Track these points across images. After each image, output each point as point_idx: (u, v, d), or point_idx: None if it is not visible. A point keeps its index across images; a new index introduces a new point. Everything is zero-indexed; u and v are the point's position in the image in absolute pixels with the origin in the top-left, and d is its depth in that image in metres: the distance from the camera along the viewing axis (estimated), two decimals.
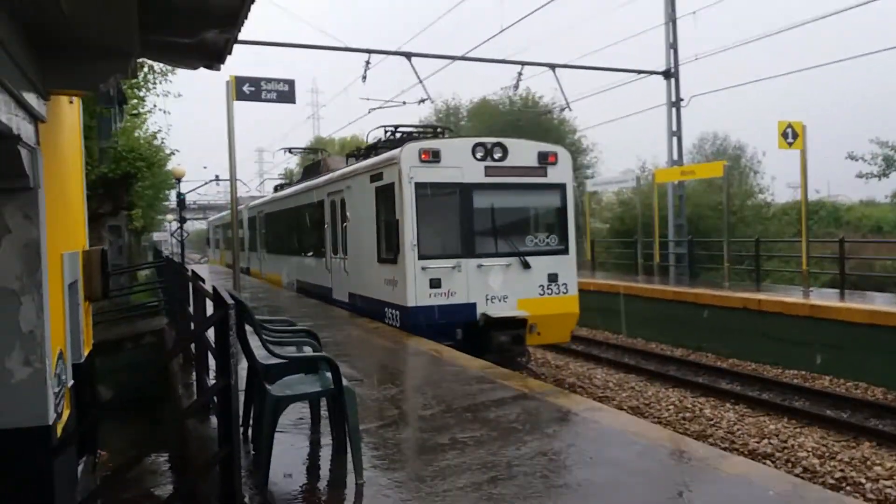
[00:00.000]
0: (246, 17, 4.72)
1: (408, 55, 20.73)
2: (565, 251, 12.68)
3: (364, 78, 21.11)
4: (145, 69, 16.18)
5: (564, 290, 12.48)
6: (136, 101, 19.03)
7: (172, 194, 34.47)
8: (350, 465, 4.79)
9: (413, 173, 11.64)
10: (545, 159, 12.49)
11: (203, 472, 4.83)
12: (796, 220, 26.39)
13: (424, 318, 11.56)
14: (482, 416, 6.30)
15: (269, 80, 14.27)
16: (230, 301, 4.11)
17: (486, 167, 12.06)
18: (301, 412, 6.20)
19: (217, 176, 60.72)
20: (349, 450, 4.83)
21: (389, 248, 12.30)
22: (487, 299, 11.91)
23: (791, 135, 16.38)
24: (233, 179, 14.94)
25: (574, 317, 12.93)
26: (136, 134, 19.27)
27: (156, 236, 69.09)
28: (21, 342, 4.43)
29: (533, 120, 39.48)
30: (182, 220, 33.26)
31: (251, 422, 5.76)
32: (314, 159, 24.79)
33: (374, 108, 23.36)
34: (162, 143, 21.77)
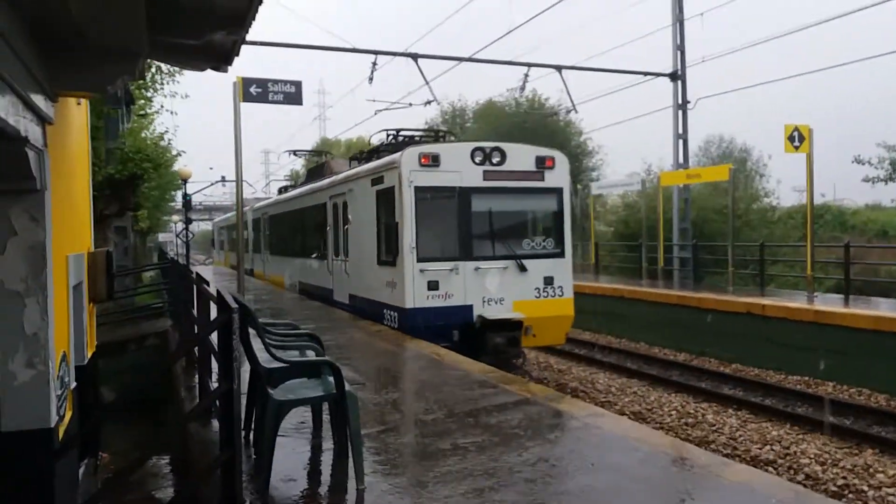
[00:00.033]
0: (253, 19, 4.73)
1: (414, 56, 20.75)
2: (561, 254, 12.83)
3: (371, 79, 21.19)
4: (153, 70, 16.20)
5: (560, 293, 12.66)
6: (143, 101, 19.07)
7: (178, 195, 34.54)
8: (351, 471, 4.80)
9: (413, 177, 11.80)
10: (542, 163, 12.65)
11: (204, 475, 4.84)
12: (802, 223, 26.37)
13: (422, 319, 11.71)
14: (484, 421, 6.30)
15: (275, 82, 14.31)
16: (234, 305, 4.13)
17: (485, 171, 12.22)
18: (303, 416, 6.21)
19: (223, 177, 60.88)
20: (351, 454, 4.83)
21: (389, 251, 12.45)
22: (484, 301, 12.09)
23: (798, 138, 16.38)
24: (239, 182, 14.97)
25: (569, 319, 13.03)
26: (143, 135, 19.33)
27: (161, 237, 69.27)
28: (24, 344, 4.43)
29: (539, 122, 39.46)
30: (188, 222, 33.32)
31: (253, 425, 5.77)
32: (318, 162, 24.89)
33: (381, 110, 23.43)
34: (169, 144, 21.85)
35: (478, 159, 12.18)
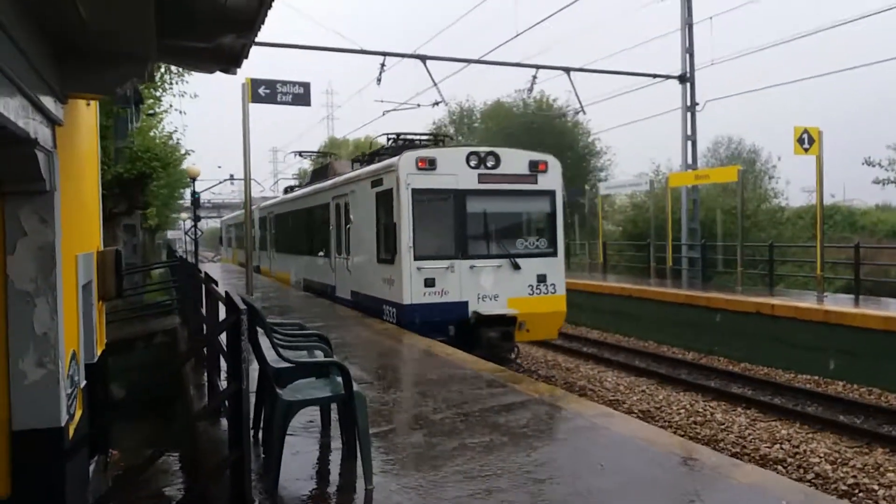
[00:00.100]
0: (263, 22, 4.74)
1: (423, 58, 20.75)
2: (554, 253, 13.36)
3: (379, 80, 21.20)
4: (162, 69, 16.25)
5: (553, 290, 13.17)
6: (152, 100, 19.11)
7: (187, 193, 34.58)
8: (360, 470, 4.80)
9: (410, 180, 12.31)
10: (536, 167, 13.16)
11: (214, 475, 4.86)
12: (811, 224, 26.25)
13: (419, 315, 12.23)
14: (492, 420, 6.30)
15: (284, 83, 14.39)
16: (242, 306, 4.14)
17: (480, 174, 12.72)
18: (311, 415, 6.21)
19: (232, 175, 60.99)
20: (359, 454, 4.84)
21: (388, 250, 12.96)
22: (479, 298, 12.59)
23: (807, 140, 16.31)
24: (247, 181, 15.02)
25: (561, 315, 13.57)
26: (152, 133, 19.36)
27: (170, 234, 69.42)
28: (35, 344, 4.46)
29: (547, 123, 39.43)
30: (196, 219, 33.36)
31: (262, 424, 5.78)
32: (322, 163, 25.12)
33: (389, 111, 23.52)
34: (177, 143, 21.88)
35: (473, 163, 12.70)
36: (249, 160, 14.92)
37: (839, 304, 14.83)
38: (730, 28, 24.68)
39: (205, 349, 8.13)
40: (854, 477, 8.63)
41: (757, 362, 15.00)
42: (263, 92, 14.24)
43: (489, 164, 12.76)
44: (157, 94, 18.38)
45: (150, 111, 20.00)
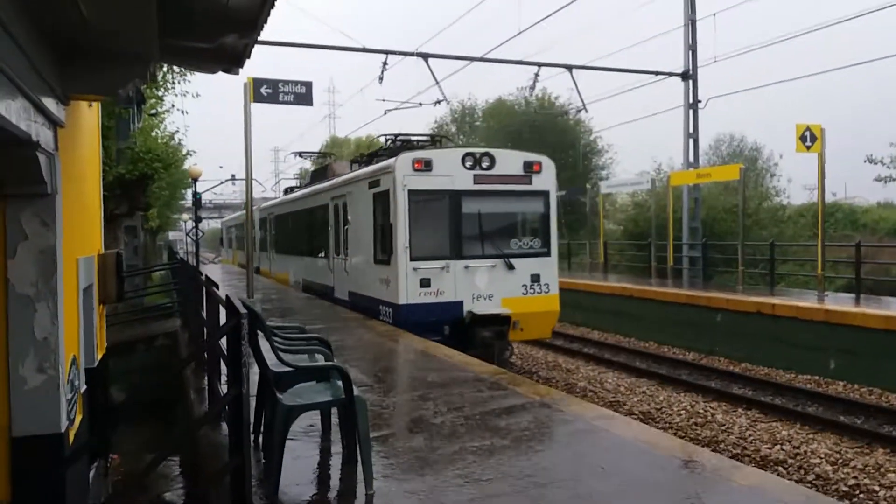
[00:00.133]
0: (265, 22, 4.73)
1: (425, 56, 20.77)
2: (547, 253, 13.57)
3: (381, 79, 21.26)
4: (164, 69, 16.24)
5: (546, 290, 13.39)
6: (154, 100, 19.09)
7: (188, 193, 34.57)
8: (360, 475, 4.80)
9: (406, 181, 12.50)
10: (530, 168, 13.35)
11: (214, 480, 4.85)
12: (812, 222, 26.22)
13: (414, 314, 12.44)
14: (493, 424, 6.29)
15: (286, 82, 14.41)
16: (242, 310, 4.13)
17: (475, 175, 12.92)
18: (312, 419, 6.21)
19: (233, 175, 61.03)
20: (360, 458, 4.84)
21: (384, 250, 13.15)
22: (474, 298, 12.80)
23: (809, 138, 16.29)
24: (248, 182, 15.01)
25: (555, 314, 13.76)
26: (154, 134, 19.34)
27: (171, 235, 69.44)
28: (35, 349, 4.46)
29: (548, 121, 39.41)
30: (197, 220, 33.37)
31: (262, 429, 5.78)
32: (322, 163, 25.19)
33: (391, 109, 23.59)
34: (179, 143, 21.87)
35: (468, 164, 12.92)
36: (251, 160, 14.92)
37: (840, 303, 14.82)
38: (733, 25, 24.69)
39: (205, 353, 8.13)
40: (855, 478, 8.63)
41: (757, 362, 14.99)
42: (265, 91, 14.26)
43: (484, 164, 12.95)
44: (160, 93, 18.39)
45: (153, 111, 20.00)
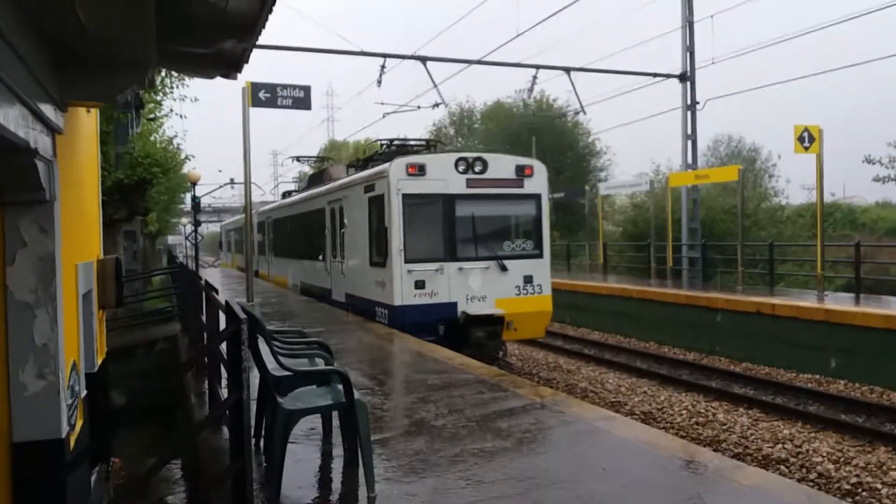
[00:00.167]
0: (264, 27, 4.72)
1: (423, 59, 20.79)
2: (540, 255, 13.74)
3: (379, 82, 21.27)
4: (163, 73, 16.24)
5: (539, 291, 13.57)
6: (153, 105, 19.08)
7: (187, 197, 34.54)
8: (362, 478, 4.79)
9: (400, 185, 12.70)
10: (522, 172, 13.58)
11: (215, 484, 4.85)
12: (811, 222, 26.23)
13: (409, 316, 12.62)
14: (494, 426, 6.29)
15: (284, 87, 14.43)
16: (242, 315, 4.13)
17: (468, 179, 13.12)
18: (313, 422, 6.20)
19: (232, 179, 60.90)
20: (361, 462, 4.83)
21: (380, 253, 13.32)
22: (468, 299, 12.98)
23: (807, 139, 16.29)
24: (247, 186, 15.01)
25: (547, 314, 13.99)
26: (152, 138, 19.33)
27: (170, 239, 69.41)
28: (35, 355, 4.44)
29: (547, 123, 39.46)
30: (196, 224, 33.33)
31: (263, 432, 5.77)
32: (319, 167, 25.28)
33: (389, 113, 23.65)
34: (178, 148, 21.85)
35: (461, 168, 13.07)
36: (250, 164, 14.91)
37: (840, 302, 14.82)
38: (730, 26, 24.70)
39: (205, 357, 8.12)
40: (857, 476, 8.63)
41: (758, 362, 14.99)
42: (264, 96, 14.27)
43: (477, 169, 13.14)
44: (158, 98, 18.38)
45: (151, 116, 19.99)
